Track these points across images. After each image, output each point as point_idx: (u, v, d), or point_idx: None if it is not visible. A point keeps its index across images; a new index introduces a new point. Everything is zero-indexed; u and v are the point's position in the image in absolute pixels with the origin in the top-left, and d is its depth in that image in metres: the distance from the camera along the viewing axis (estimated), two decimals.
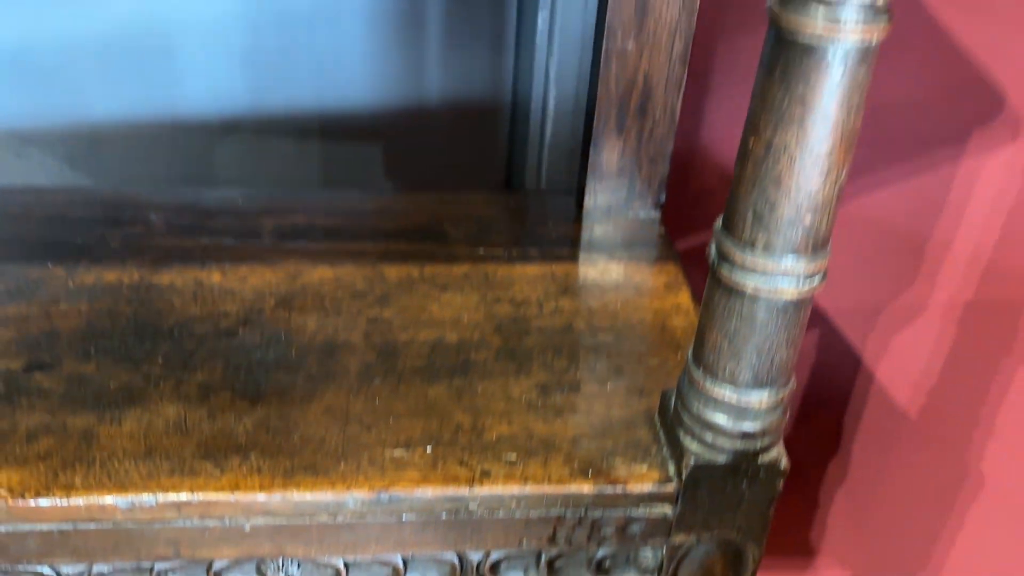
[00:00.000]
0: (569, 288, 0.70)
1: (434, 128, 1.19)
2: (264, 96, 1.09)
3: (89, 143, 1.05)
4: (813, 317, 0.79)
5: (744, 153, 0.44)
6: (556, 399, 0.59)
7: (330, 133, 1.16)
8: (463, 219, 0.78)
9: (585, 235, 0.77)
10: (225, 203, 0.78)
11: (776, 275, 0.45)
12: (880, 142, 0.70)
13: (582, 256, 0.75)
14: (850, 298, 0.78)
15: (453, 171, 1.23)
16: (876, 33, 0.38)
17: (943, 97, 0.64)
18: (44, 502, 0.50)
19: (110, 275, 0.68)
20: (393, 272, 0.71)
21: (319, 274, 0.70)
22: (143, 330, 0.63)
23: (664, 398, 0.56)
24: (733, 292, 0.46)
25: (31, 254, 0.70)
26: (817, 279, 0.46)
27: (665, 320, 0.67)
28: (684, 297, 0.69)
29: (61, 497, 0.50)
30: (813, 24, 0.38)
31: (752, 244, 0.45)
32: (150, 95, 1.05)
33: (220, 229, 0.74)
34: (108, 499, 0.50)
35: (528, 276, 0.71)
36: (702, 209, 0.96)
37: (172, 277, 0.68)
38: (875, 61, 0.40)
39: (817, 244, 0.45)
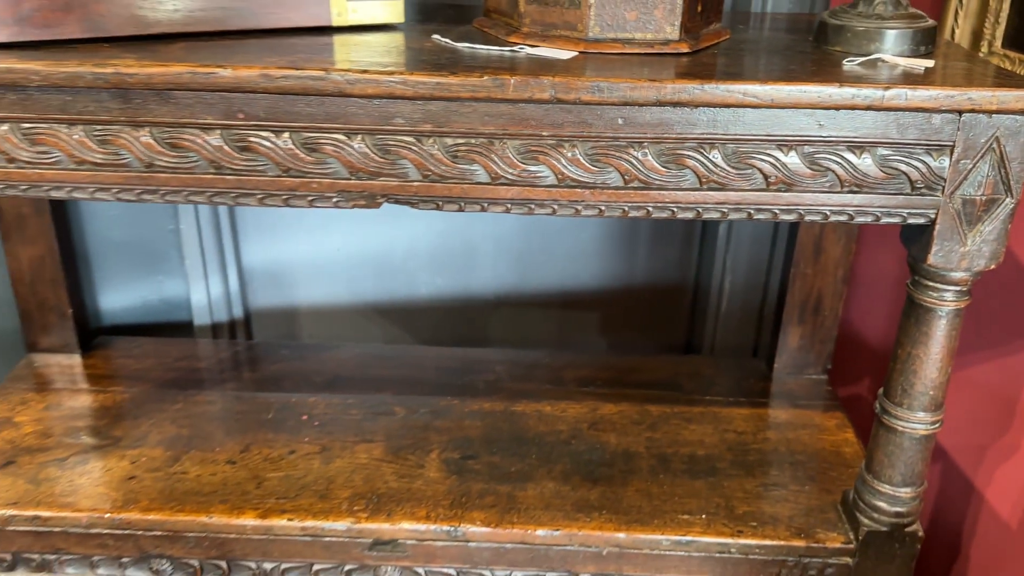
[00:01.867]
0: (771, 424, 1.09)
1: (637, 302, 1.63)
2: (525, 280, 1.56)
3: (411, 315, 1.53)
4: (936, 452, 1.15)
5: (896, 355, 0.83)
6: (776, 493, 0.97)
7: (567, 305, 1.60)
8: (693, 375, 1.19)
9: (775, 389, 1.16)
10: (539, 359, 1.21)
11: (914, 422, 0.83)
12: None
13: (774, 403, 1.14)
14: (962, 439, 1.14)
15: (648, 333, 1.66)
16: (964, 303, 0.78)
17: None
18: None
19: (487, 405, 1.11)
20: (655, 409, 1.12)
21: (608, 409, 1.11)
22: (517, 438, 1.05)
23: (845, 494, 0.93)
24: (891, 431, 0.85)
25: (430, 391, 1.14)
26: (937, 425, 0.84)
27: (838, 447, 1.05)
28: (849, 433, 1.07)
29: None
30: (931, 299, 0.78)
31: (901, 404, 0.83)
32: (451, 282, 1.53)
33: (541, 377, 1.17)
34: (539, 532, 0.91)
35: (742, 415, 1.11)
36: (856, 374, 1.34)
37: (523, 407, 1.11)
38: (965, 315, 0.79)
39: (936, 406, 0.83)
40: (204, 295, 1.32)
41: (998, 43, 1.07)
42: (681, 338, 1.70)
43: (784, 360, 1.18)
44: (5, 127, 0.74)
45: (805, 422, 1.10)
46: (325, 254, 1.42)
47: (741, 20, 1.02)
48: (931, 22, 0.82)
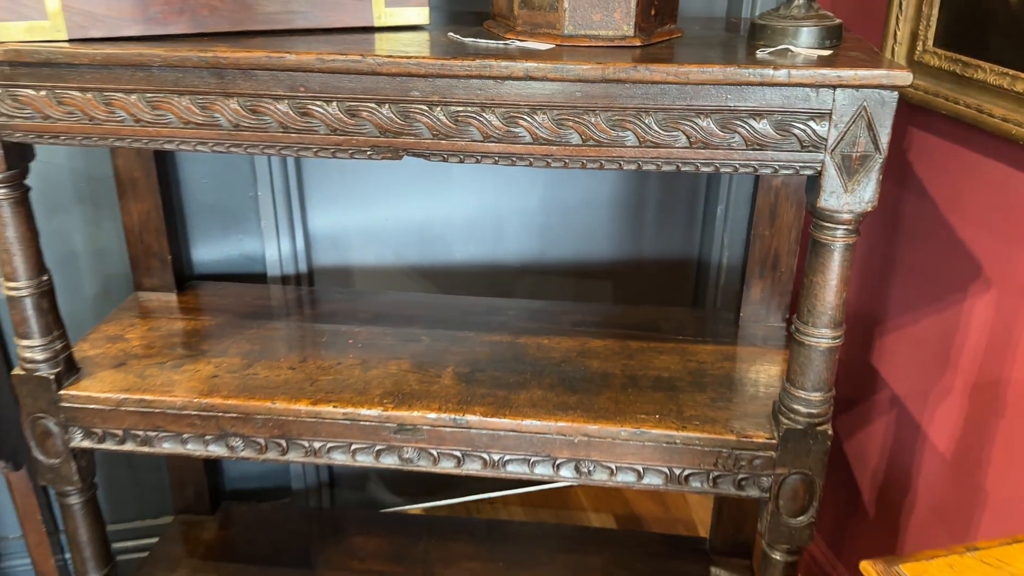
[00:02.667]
0: (729, 358, 1.31)
1: (647, 271, 1.86)
2: (546, 252, 1.81)
3: (447, 277, 1.79)
4: (891, 399, 1.36)
5: (804, 284, 1.05)
6: (720, 404, 1.19)
7: (583, 275, 1.85)
8: (672, 321, 1.42)
9: (740, 333, 1.38)
10: (544, 307, 1.46)
11: (819, 337, 1.05)
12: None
13: (739, 344, 1.36)
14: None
15: (658, 299, 1.88)
16: (852, 240, 1.00)
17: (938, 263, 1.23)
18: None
19: (496, 337, 1.36)
20: (634, 344, 1.35)
21: (595, 344, 1.35)
22: (517, 360, 1.30)
23: (774, 403, 1.15)
24: (802, 345, 1.06)
25: (453, 327, 1.40)
26: (838, 340, 1.05)
27: (783, 375, 1.26)
28: None
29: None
30: (826, 237, 1.00)
31: (807, 323, 1.05)
32: (482, 250, 1.78)
33: (543, 319, 1.42)
34: (526, 422, 1.15)
35: (707, 351, 1.33)
36: None
37: (525, 340, 1.36)
38: (855, 252, 1.01)
39: (836, 324, 1.04)
40: (276, 252, 1.61)
41: (930, 43, 1.28)
42: (687, 301, 1.92)
43: (748, 311, 1.40)
44: (134, 96, 1.03)
45: (759, 358, 1.31)
46: (376, 222, 1.70)
47: (727, 25, 1.24)
48: (838, 21, 1.04)
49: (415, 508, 1.98)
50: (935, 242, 1.33)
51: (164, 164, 1.46)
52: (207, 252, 1.60)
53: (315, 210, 1.65)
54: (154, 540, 1.69)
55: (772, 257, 1.36)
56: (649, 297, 1.88)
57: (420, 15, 1.13)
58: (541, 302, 1.50)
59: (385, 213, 1.71)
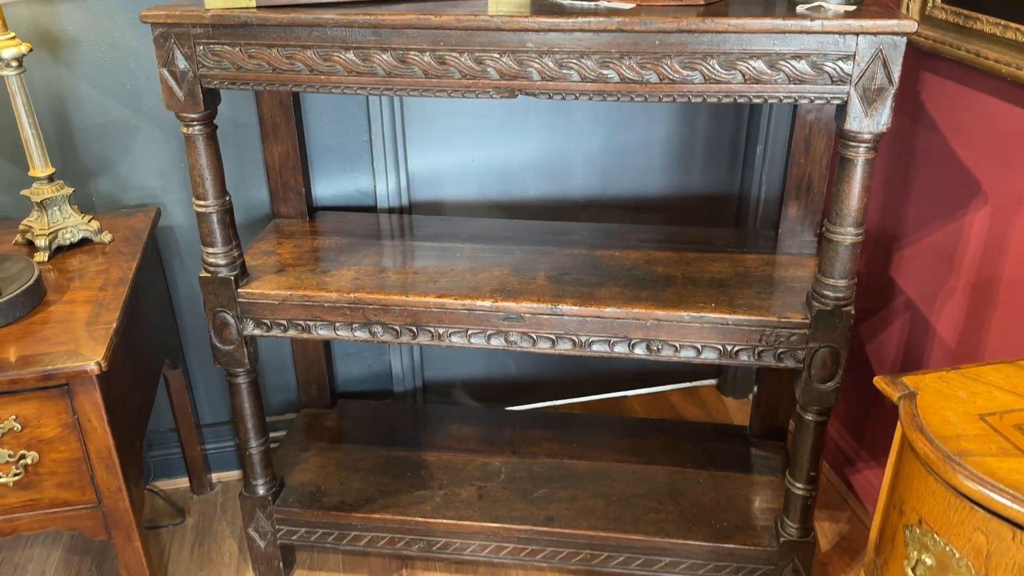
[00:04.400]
0: (771, 264, 1.60)
1: (694, 204, 2.15)
2: (607, 188, 2.10)
3: (523, 210, 2.09)
4: (905, 303, 1.65)
5: (833, 192, 1.33)
6: (763, 296, 1.48)
7: (639, 208, 2.14)
8: (721, 237, 1.71)
9: (779, 245, 1.67)
10: (613, 229, 1.76)
11: (844, 234, 1.33)
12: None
13: (778, 254, 1.65)
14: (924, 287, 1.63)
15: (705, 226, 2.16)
16: (871, 156, 1.28)
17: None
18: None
19: (575, 251, 1.66)
20: (691, 255, 1.64)
21: (659, 255, 1.65)
22: (595, 267, 1.60)
23: (807, 292, 1.44)
24: (831, 241, 1.35)
25: (538, 243, 1.70)
26: (861, 236, 1.34)
27: (814, 273, 1.55)
28: None
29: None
30: (851, 152, 1.28)
31: (835, 222, 1.34)
32: (552, 186, 2.08)
33: (614, 237, 1.72)
34: (607, 310, 1.46)
35: (752, 259, 1.62)
36: None
37: (600, 253, 1.66)
38: (873, 166, 1.29)
39: (858, 224, 1.33)
40: (384, 187, 1.92)
41: (939, 0, 1.55)
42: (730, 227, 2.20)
43: (785, 227, 1.69)
44: (310, 51, 1.33)
45: (795, 264, 1.60)
46: (463, 163, 2.00)
47: None
48: None
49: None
50: (942, 166, 1.61)
51: (298, 111, 1.76)
52: (327, 188, 1.91)
53: (415, 152, 1.95)
54: (282, 433, 2.02)
55: (807, 181, 1.64)
56: (696, 227, 2.17)
57: None
58: (610, 224, 1.80)
59: (471, 155, 2.01)
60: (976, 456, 0.91)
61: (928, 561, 0.96)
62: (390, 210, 1.94)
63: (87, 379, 1.30)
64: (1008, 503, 0.86)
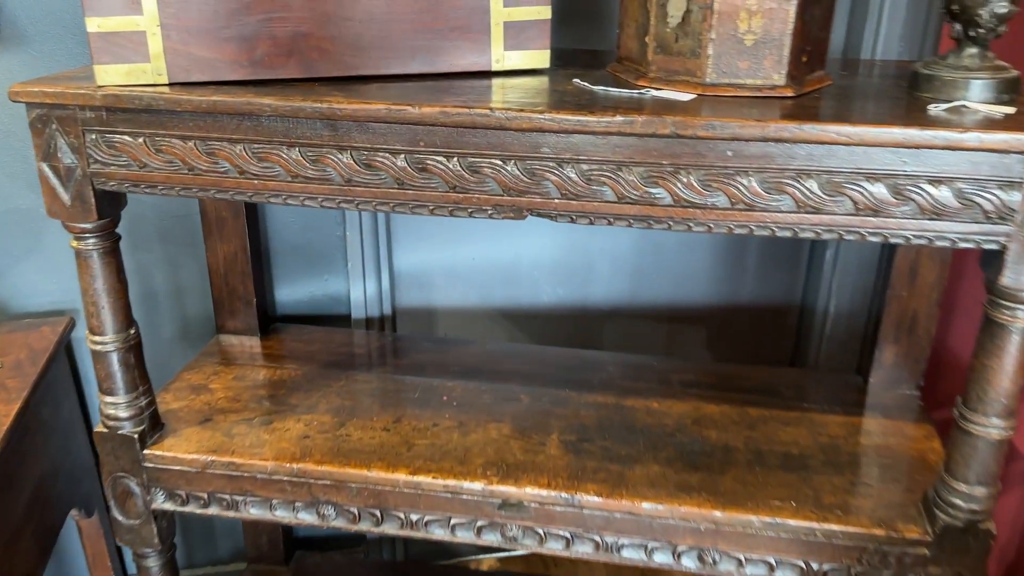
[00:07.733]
0: (862, 431, 1.19)
1: (743, 320, 1.74)
2: (638, 294, 1.70)
3: (534, 320, 1.70)
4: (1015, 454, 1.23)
5: (973, 366, 0.93)
6: (861, 489, 1.08)
7: (676, 318, 1.74)
8: (791, 384, 1.30)
9: (869, 401, 1.26)
10: (648, 362, 1.36)
11: (988, 427, 0.93)
12: None
13: (867, 414, 1.24)
14: None
15: (753, 350, 1.76)
16: None
17: None
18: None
19: (600, 398, 1.26)
20: (754, 411, 1.24)
21: (710, 409, 1.24)
22: (627, 427, 1.20)
23: (926, 492, 1.03)
24: (967, 434, 0.95)
25: (551, 383, 1.30)
26: (1010, 431, 0.93)
27: (924, 454, 1.14)
28: (936, 443, 1.16)
29: None
30: (1004, 317, 0.88)
31: (976, 410, 0.93)
32: (570, 292, 1.69)
33: (649, 378, 1.31)
34: (645, 505, 1.05)
35: (836, 422, 1.21)
36: (947, 392, 1.42)
37: (632, 403, 1.25)
38: None
39: (1008, 413, 0.92)
40: (361, 293, 1.53)
41: None
42: (785, 357, 1.80)
43: (879, 375, 1.28)
44: (240, 147, 0.95)
45: (895, 431, 1.19)
46: (461, 262, 1.61)
47: (851, 66, 1.15)
48: (1015, 73, 0.93)
49: (489, 558, 1.88)
50: None
51: (253, 204, 1.39)
52: (290, 292, 1.53)
53: (401, 250, 1.57)
54: None
55: (909, 320, 1.24)
56: (746, 346, 1.76)
57: (541, 59, 1.03)
58: (642, 356, 1.40)
59: (471, 252, 1.62)
60: None
61: None
62: (367, 321, 1.55)
63: None
64: None
